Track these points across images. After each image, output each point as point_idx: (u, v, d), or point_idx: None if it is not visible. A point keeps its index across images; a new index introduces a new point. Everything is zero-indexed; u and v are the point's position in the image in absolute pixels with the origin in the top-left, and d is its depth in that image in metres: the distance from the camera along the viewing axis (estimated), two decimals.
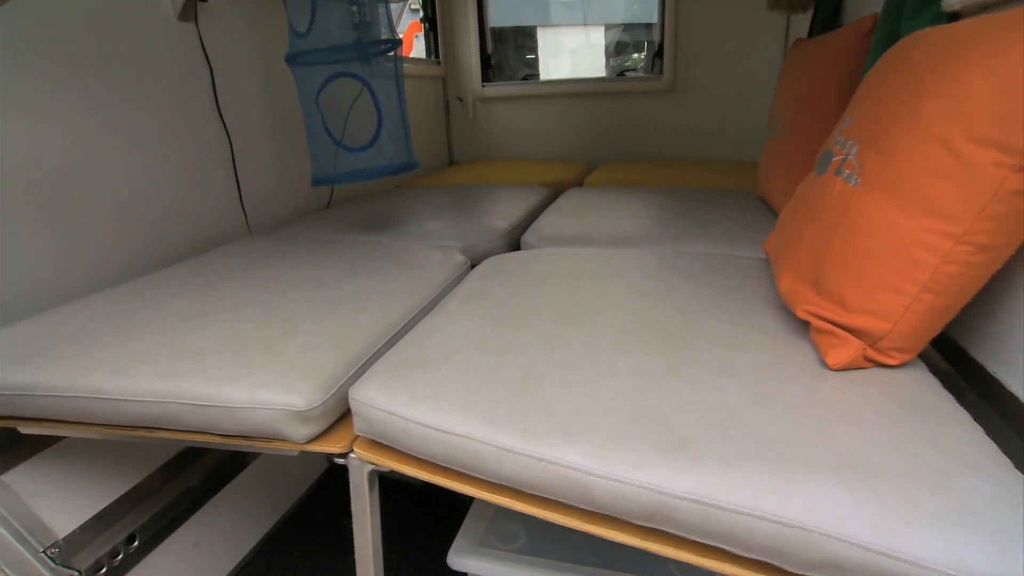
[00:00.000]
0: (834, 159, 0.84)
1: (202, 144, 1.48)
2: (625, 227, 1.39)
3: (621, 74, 2.83)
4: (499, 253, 1.31)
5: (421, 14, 2.82)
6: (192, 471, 1.19)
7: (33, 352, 0.84)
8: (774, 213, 1.47)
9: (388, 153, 1.48)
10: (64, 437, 0.97)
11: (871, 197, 0.68)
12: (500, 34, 3.25)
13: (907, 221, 0.63)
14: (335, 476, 1.54)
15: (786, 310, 0.86)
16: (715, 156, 2.61)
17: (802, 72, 1.44)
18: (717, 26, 2.49)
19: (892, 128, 0.69)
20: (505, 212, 1.58)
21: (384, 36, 1.54)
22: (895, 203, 0.65)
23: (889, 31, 1.08)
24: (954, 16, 0.94)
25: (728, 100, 2.56)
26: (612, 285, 0.98)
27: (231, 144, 1.54)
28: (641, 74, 2.76)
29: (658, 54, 2.68)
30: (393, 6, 2.01)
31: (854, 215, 0.69)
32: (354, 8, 1.54)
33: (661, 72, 2.62)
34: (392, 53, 1.52)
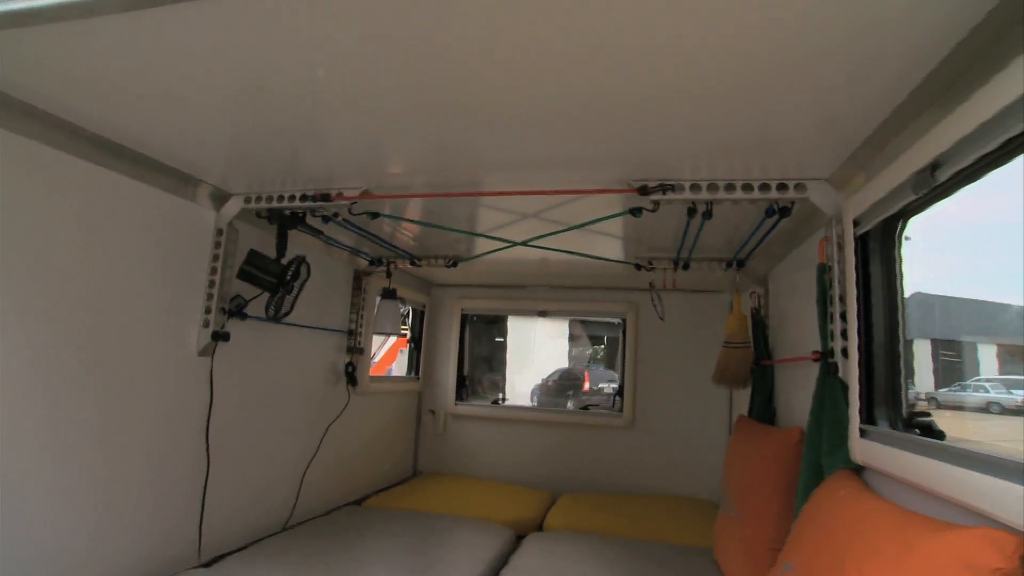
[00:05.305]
0: None
1: (180, 467, 1.51)
2: None
3: (585, 408, 3.07)
4: None
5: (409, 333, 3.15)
6: None
7: None
8: None
9: None
10: None
11: None
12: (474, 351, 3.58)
13: None
14: None
15: None
16: (670, 488, 2.69)
17: (746, 460, 1.62)
18: (670, 374, 2.81)
19: None
20: (464, 567, 1.56)
21: None
22: None
23: (813, 458, 1.28)
24: (860, 467, 1.13)
25: (680, 439, 2.75)
26: None
27: (208, 470, 1.58)
28: (604, 411, 3.01)
29: (619, 393, 2.97)
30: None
31: None
32: None
33: (621, 410, 2.87)
34: None
